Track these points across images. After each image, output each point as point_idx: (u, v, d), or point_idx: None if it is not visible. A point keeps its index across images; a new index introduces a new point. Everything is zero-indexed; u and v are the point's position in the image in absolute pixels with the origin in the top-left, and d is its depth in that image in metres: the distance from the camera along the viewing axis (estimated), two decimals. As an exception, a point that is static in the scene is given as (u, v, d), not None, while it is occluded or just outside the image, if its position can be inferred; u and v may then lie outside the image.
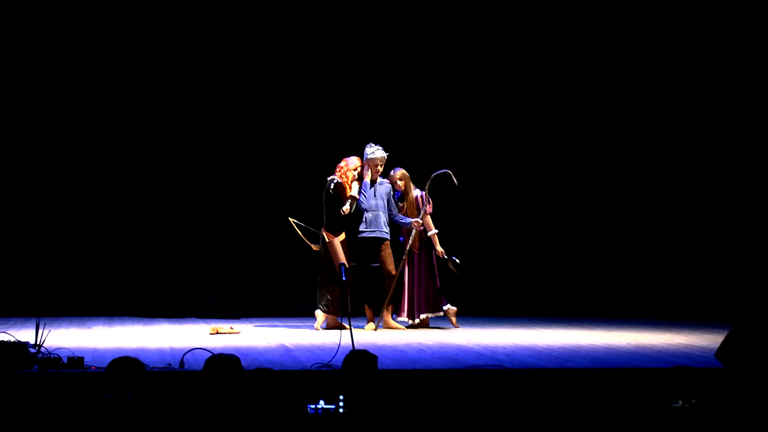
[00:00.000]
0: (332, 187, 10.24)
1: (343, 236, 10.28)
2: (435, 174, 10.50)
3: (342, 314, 9.97)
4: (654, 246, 12.78)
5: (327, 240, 10.23)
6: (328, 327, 10.30)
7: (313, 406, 6.19)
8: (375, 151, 10.40)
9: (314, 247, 10.44)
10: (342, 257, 10.08)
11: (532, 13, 12.68)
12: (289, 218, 10.55)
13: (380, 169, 10.45)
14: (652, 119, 12.84)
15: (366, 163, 10.41)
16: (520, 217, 12.85)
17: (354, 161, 10.33)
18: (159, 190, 12.09)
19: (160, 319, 11.39)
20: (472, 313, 11.80)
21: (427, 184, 10.49)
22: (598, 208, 12.87)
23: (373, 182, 10.46)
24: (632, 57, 12.76)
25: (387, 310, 10.44)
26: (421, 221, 10.44)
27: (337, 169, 10.31)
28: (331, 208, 10.25)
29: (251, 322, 11.09)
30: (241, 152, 12.26)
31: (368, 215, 10.41)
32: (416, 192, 10.60)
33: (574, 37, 12.75)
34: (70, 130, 11.92)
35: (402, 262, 10.46)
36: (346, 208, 10.18)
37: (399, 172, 10.59)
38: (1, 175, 11.83)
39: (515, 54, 12.74)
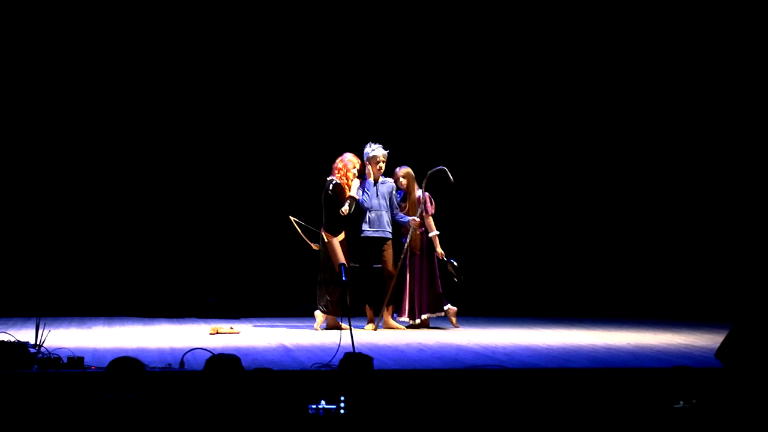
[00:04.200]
0: (331, 187, 10.23)
1: (342, 236, 10.28)
2: (431, 171, 10.46)
3: (342, 314, 9.98)
4: (654, 246, 12.78)
5: (326, 240, 10.22)
6: (328, 327, 10.29)
7: (314, 407, 6.20)
8: (375, 150, 10.38)
9: (314, 246, 10.44)
10: (341, 257, 10.08)
11: (531, 12, 12.68)
12: (290, 217, 10.55)
13: (382, 167, 10.42)
14: (651, 119, 12.85)
15: (367, 162, 10.40)
16: (520, 217, 12.84)
17: (351, 159, 10.30)
18: (159, 190, 12.10)
19: (160, 319, 11.39)
20: (472, 313, 11.80)
21: (424, 182, 10.47)
22: (598, 208, 12.87)
23: (375, 181, 10.44)
24: (632, 57, 12.76)
25: (387, 310, 10.43)
26: (418, 219, 10.42)
27: (336, 170, 10.28)
28: (330, 209, 10.25)
29: (251, 322, 11.08)
30: (241, 152, 12.27)
31: (371, 215, 10.39)
32: (419, 192, 10.58)
33: (574, 36, 12.75)
34: (70, 130, 11.93)
35: (400, 260, 10.43)
36: (345, 209, 10.17)
37: (403, 170, 10.57)
38: (2, 175, 11.84)
39: (515, 54, 12.74)
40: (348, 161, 10.30)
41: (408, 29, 12.49)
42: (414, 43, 12.53)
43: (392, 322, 10.41)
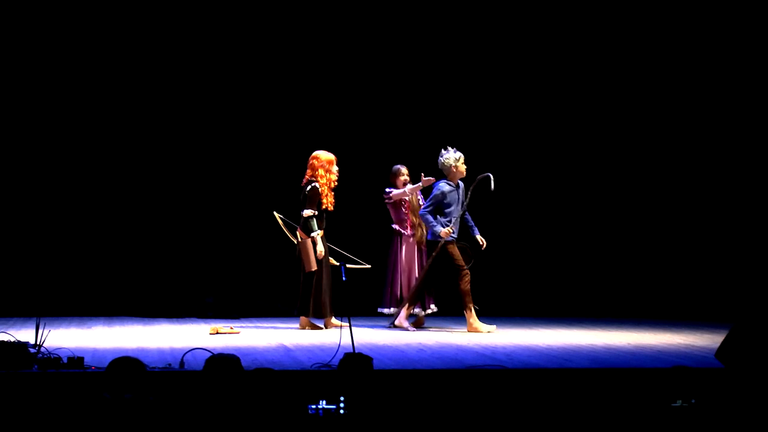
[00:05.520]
0: (308, 189, 10.17)
1: (320, 234, 10.23)
2: (480, 177, 10.33)
3: (337, 314, 10.00)
4: (654, 246, 12.78)
5: (300, 239, 10.20)
6: (301, 327, 10.28)
7: (314, 407, 6.20)
8: (457, 152, 10.22)
9: (296, 241, 10.43)
10: (313, 258, 10.07)
11: (542, 13, 12.69)
12: (274, 212, 10.54)
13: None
14: (651, 119, 12.85)
15: (453, 167, 10.18)
16: (520, 217, 12.84)
17: (329, 158, 10.24)
18: (159, 190, 12.11)
19: (160, 319, 11.39)
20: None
21: (471, 187, 10.34)
22: (598, 208, 12.87)
23: (457, 186, 10.28)
24: (635, 56, 12.76)
25: (408, 308, 10.35)
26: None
27: (319, 176, 10.19)
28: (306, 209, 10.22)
29: (251, 322, 11.08)
30: (242, 153, 12.27)
31: (455, 221, 10.19)
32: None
33: (576, 35, 12.75)
34: (70, 131, 11.94)
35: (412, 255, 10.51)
36: (309, 212, 10.10)
37: (406, 169, 10.56)
38: (2, 175, 11.84)
39: (517, 52, 12.75)
40: (327, 162, 10.24)
41: (395, 26, 12.50)
42: (400, 39, 12.52)
43: (405, 322, 10.37)
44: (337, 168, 10.30)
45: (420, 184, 10.52)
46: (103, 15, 11.85)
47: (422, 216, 10.21)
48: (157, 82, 12.07)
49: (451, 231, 10.14)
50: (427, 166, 10.90)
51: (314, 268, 10.13)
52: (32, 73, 11.81)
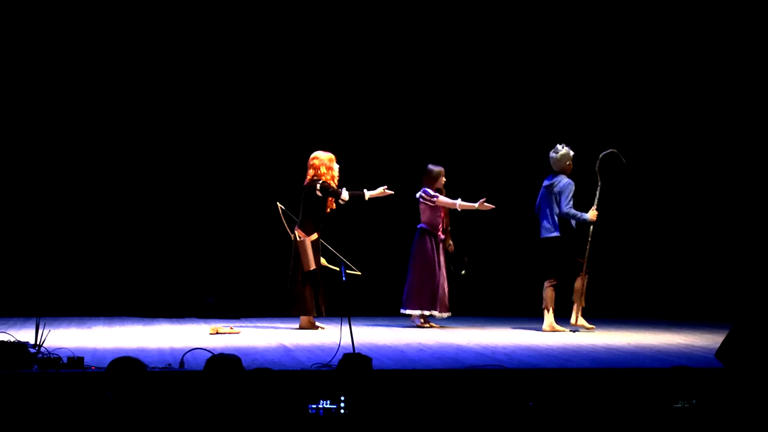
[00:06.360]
0: (318, 187, 10.18)
1: (315, 236, 10.23)
2: (604, 154, 10.37)
3: (337, 314, 10.00)
4: (654, 246, 12.78)
5: (299, 239, 10.19)
6: (302, 327, 10.27)
7: (314, 406, 6.20)
8: (569, 149, 10.30)
9: (293, 238, 10.44)
10: (312, 258, 10.07)
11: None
12: (278, 203, 10.52)
13: None
14: (653, 119, 12.84)
15: (568, 163, 10.26)
16: (517, 216, 12.83)
17: (330, 156, 10.27)
18: (159, 190, 12.11)
19: (160, 319, 11.39)
20: (472, 313, 11.80)
21: (597, 165, 10.36)
22: (597, 208, 12.84)
23: None
24: (645, 55, 12.77)
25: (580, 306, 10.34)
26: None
27: (322, 176, 10.18)
28: (310, 208, 10.21)
29: (251, 322, 11.08)
30: (241, 153, 12.28)
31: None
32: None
33: (577, 34, 12.75)
34: (70, 131, 11.94)
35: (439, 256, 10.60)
36: (345, 196, 10.15)
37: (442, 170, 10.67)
38: (2, 175, 11.84)
39: (516, 50, 12.75)
40: (327, 160, 10.26)
41: (386, 26, 12.53)
42: (396, 40, 12.54)
43: (582, 321, 10.34)
44: (337, 165, 10.31)
45: (476, 205, 10.58)
46: (103, 15, 11.87)
47: (567, 213, 10.21)
48: (157, 82, 12.08)
49: (597, 213, 10.25)
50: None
51: (313, 267, 10.13)
52: (32, 74, 11.82)
